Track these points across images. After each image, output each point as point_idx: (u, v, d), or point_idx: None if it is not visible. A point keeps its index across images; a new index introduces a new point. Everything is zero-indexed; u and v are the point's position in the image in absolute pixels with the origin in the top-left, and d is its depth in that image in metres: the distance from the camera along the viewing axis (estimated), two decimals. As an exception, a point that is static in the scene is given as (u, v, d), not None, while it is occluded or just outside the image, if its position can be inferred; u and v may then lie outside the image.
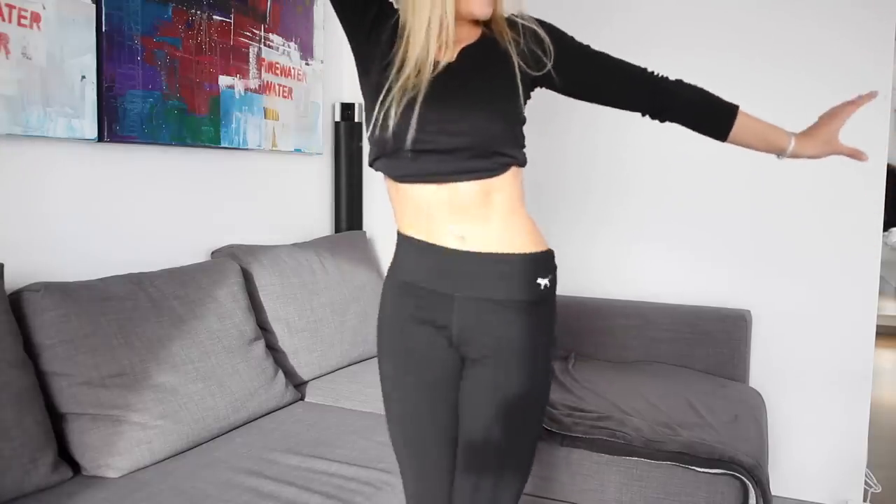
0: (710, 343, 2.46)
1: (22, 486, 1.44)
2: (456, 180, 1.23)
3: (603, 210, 2.72)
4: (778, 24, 2.42)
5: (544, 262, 1.30)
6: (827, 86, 2.38)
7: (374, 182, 3.01)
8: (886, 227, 4.33)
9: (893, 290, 6.09)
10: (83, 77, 1.80)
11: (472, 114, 1.21)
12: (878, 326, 2.45)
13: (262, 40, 2.43)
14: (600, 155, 2.69)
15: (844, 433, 2.44)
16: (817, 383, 2.46)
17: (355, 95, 2.97)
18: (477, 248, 1.24)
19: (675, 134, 2.60)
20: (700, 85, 1.34)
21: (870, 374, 2.40)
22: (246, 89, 2.37)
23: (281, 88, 2.54)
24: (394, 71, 1.22)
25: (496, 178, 1.24)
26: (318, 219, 2.88)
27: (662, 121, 1.36)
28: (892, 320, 5.32)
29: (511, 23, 1.28)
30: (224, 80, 2.27)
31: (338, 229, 2.94)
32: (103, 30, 1.85)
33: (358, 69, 1.33)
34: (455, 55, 1.25)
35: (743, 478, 1.74)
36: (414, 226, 1.29)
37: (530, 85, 1.29)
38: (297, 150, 2.66)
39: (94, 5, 1.82)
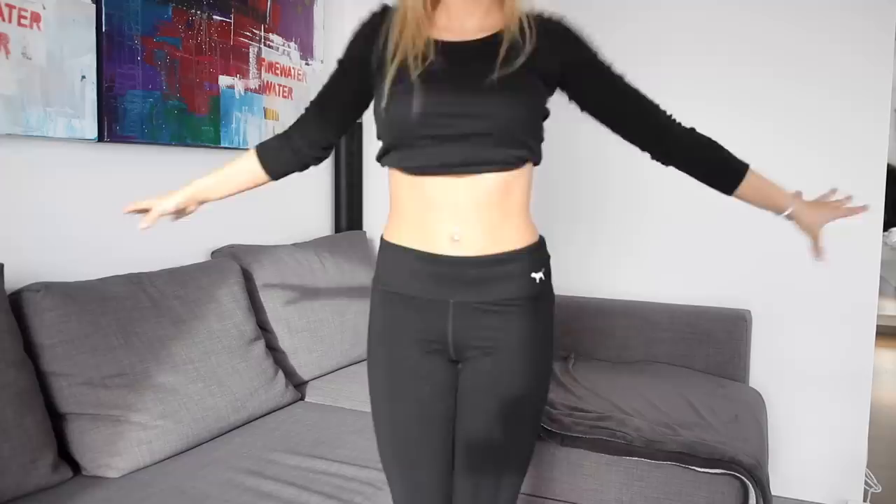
0: (710, 343, 2.46)
1: (22, 486, 1.44)
2: (475, 172, 1.17)
3: (603, 210, 2.72)
4: (778, 24, 2.42)
5: (536, 254, 1.26)
6: (827, 87, 2.38)
7: (374, 182, 3.01)
8: (886, 227, 4.33)
9: (893, 290, 6.09)
10: (83, 77, 1.80)
11: (492, 97, 1.15)
12: (878, 326, 2.45)
13: (262, 40, 2.43)
14: (601, 155, 2.69)
15: (844, 433, 2.44)
16: (817, 383, 2.46)
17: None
18: (471, 251, 1.20)
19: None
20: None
21: (870, 374, 2.40)
22: (246, 89, 2.37)
23: (281, 88, 2.54)
24: (398, 58, 1.18)
25: (512, 172, 1.19)
26: (318, 219, 2.88)
27: (666, 165, 1.31)
28: (892, 320, 5.32)
29: (537, 19, 1.23)
30: (224, 80, 2.27)
31: (338, 229, 2.94)
32: (103, 30, 1.85)
33: (374, 81, 1.26)
34: (470, 41, 1.21)
35: (743, 478, 1.74)
36: (411, 231, 1.23)
37: (550, 82, 1.24)
38: (297, 150, 2.66)
39: (94, 5, 1.82)
